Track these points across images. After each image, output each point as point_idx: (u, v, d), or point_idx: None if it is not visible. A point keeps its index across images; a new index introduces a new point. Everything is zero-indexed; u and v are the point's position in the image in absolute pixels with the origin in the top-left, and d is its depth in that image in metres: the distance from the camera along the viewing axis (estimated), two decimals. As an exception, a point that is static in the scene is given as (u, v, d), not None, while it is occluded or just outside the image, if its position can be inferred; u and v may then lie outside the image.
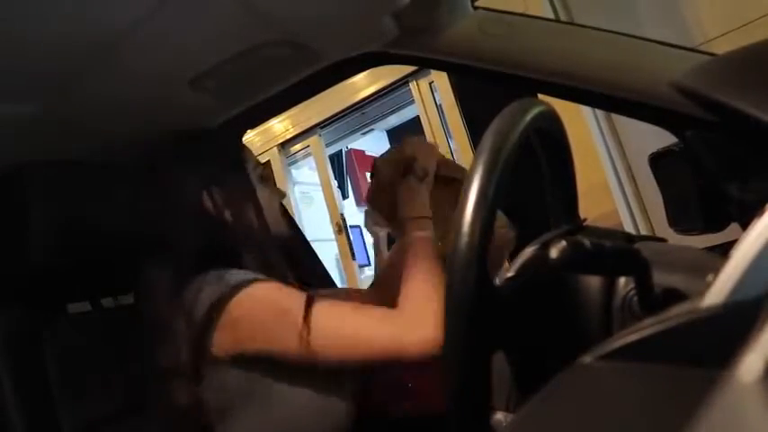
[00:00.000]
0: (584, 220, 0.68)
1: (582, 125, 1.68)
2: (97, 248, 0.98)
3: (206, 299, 0.76)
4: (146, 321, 0.83)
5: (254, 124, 1.25)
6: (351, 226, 3.04)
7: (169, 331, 0.79)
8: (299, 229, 1.35)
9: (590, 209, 0.76)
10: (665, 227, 0.85)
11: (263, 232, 0.90)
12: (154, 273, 0.86)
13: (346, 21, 0.89)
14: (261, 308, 0.76)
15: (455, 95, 2.27)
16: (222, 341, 0.76)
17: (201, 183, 0.89)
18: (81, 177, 1.01)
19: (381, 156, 0.99)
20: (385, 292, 0.90)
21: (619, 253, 0.47)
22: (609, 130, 1.69)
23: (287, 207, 1.15)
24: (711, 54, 0.79)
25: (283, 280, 0.84)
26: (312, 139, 2.89)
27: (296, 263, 0.97)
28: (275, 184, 1.05)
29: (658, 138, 0.83)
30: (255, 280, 0.77)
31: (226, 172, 0.91)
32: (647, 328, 0.32)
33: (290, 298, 0.76)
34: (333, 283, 1.38)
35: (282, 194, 1.02)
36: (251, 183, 0.93)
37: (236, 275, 0.78)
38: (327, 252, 3.00)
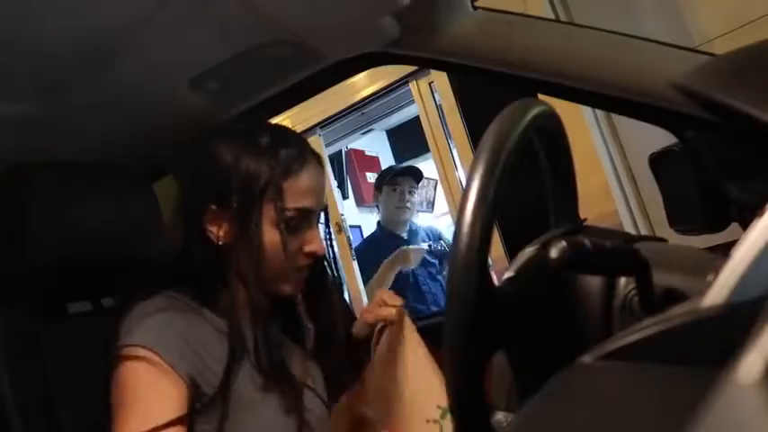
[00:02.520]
0: (585, 220, 0.68)
1: (582, 126, 1.68)
2: (97, 248, 0.98)
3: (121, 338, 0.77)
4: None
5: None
6: (351, 226, 3.03)
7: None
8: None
9: (590, 209, 0.76)
10: (665, 227, 0.85)
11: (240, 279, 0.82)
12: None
13: (346, 21, 0.89)
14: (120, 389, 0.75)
15: (455, 96, 2.27)
16: None
17: (211, 193, 0.83)
18: (81, 177, 1.01)
19: None
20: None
21: (619, 253, 0.47)
22: (609, 130, 1.69)
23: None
24: (711, 54, 0.79)
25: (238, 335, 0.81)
26: (312, 139, 2.88)
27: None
28: (324, 241, 0.89)
29: (658, 138, 0.83)
30: (142, 357, 0.74)
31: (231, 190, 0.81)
32: (647, 328, 0.32)
33: (139, 399, 0.73)
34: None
35: (315, 252, 0.85)
36: (256, 214, 0.81)
37: (144, 324, 0.77)
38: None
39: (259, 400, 0.81)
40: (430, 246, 2.63)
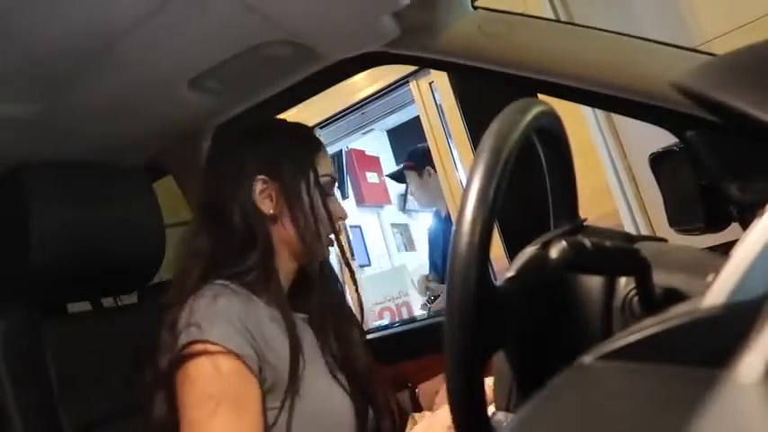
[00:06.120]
0: (585, 220, 0.68)
1: (582, 126, 1.68)
2: (97, 248, 0.98)
3: (181, 339, 0.77)
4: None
5: (254, 124, 1.25)
6: (351, 226, 3.03)
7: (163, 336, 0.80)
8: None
9: (590, 209, 0.76)
10: (666, 227, 0.85)
11: (304, 242, 0.89)
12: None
13: (346, 21, 0.89)
14: (191, 388, 0.75)
15: (455, 96, 2.27)
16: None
17: (259, 166, 0.89)
18: (81, 177, 1.01)
19: None
20: None
21: (619, 253, 0.47)
22: (609, 130, 1.69)
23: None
24: (711, 54, 0.79)
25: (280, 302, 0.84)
26: (312, 139, 2.88)
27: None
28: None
29: (658, 138, 0.83)
30: (211, 351, 0.75)
31: (286, 162, 0.90)
32: (647, 328, 0.32)
33: (217, 388, 0.74)
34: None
35: (344, 217, 0.97)
36: (312, 184, 0.90)
37: (212, 318, 0.77)
38: (327, 252, 3.00)
39: (326, 385, 0.84)
40: None
